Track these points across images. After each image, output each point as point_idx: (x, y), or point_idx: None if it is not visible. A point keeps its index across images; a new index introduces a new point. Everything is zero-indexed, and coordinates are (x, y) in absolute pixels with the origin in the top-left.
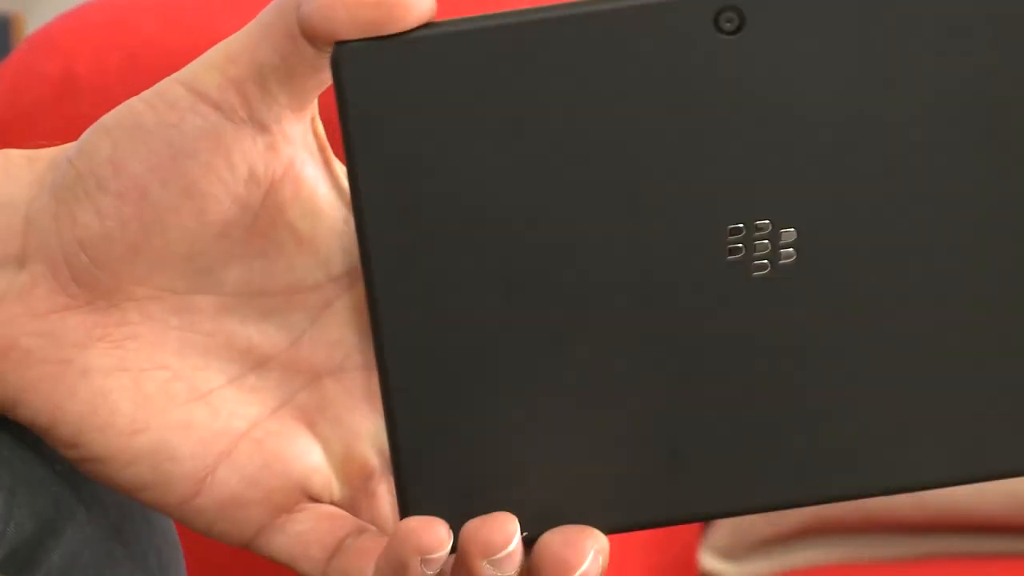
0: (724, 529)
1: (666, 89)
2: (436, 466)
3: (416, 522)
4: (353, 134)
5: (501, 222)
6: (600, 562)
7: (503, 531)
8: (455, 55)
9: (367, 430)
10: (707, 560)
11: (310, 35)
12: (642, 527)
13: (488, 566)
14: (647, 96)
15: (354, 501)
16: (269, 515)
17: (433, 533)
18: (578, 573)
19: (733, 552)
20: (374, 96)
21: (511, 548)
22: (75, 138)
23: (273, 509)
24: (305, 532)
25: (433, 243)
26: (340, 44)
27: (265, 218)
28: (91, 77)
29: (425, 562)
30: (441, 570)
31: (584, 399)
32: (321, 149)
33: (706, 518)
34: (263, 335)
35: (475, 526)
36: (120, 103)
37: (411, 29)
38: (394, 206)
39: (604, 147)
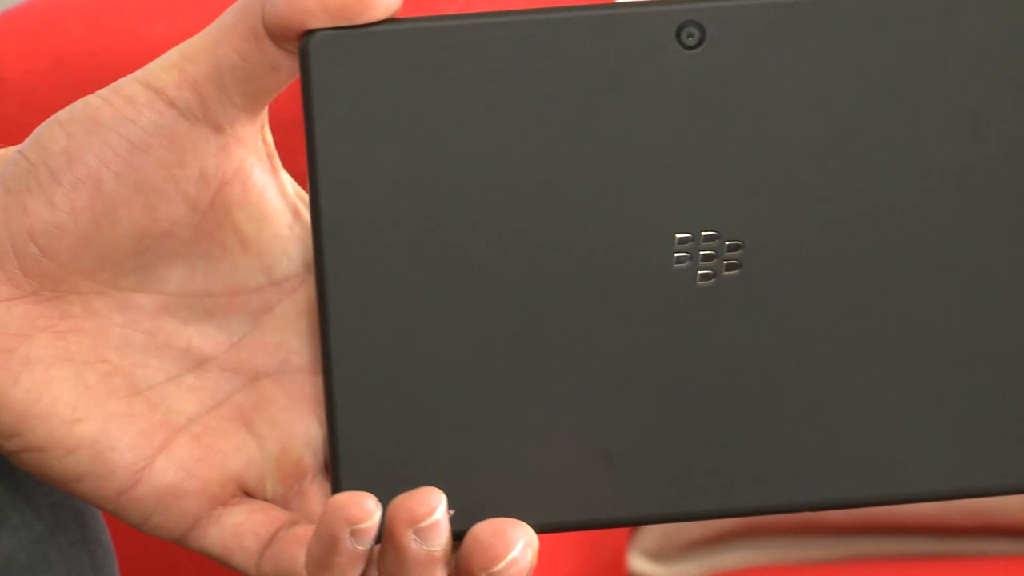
0: (653, 531)
1: (625, 99)
2: (372, 454)
3: (344, 496)
4: (316, 123)
5: (455, 220)
6: (529, 556)
7: (427, 501)
8: (423, 50)
9: (303, 431)
10: (636, 562)
11: (278, 26)
12: (574, 528)
13: (413, 537)
14: (605, 105)
15: (287, 500)
16: (205, 507)
17: (361, 505)
18: (505, 562)
19: (662, 554)
20: (340, 86)
21: (435, 517)
22: (2, 142)
23: (209, 500)
24: (240, 524)
25: (387, 232)
26: (308, 33)
27: (212, 219)
28: (18, 80)
29: (354, 534)
30: (371, 556)
31: (524, 398)
32: (269, 156)
33: (639, 523)
34: (203, 336)
35: (401, 498)
36: (47, 107)
37: (377, 22)
38: (350, 196)
39: (561, 152)
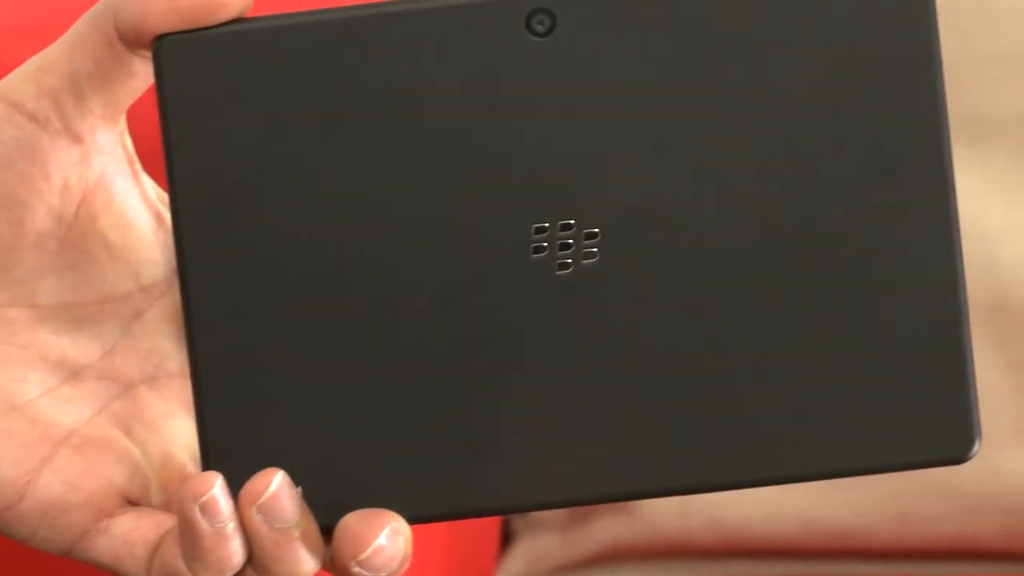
0: (520, 557)
1: (477, 89)
2: (238, 452)
3: (192, 477)
4: (172, 127)
5: (312, 215)
6: (400, 544)
7: (263, 477)
8: (274, 49)
9: (183, 436)
10: None
11: (130, 32)
12: (445, 518)
13: (259, 516)
14: (458, 96)
15: (171, 506)
16: (91, 519)
17: (201, 479)
18: (372, 548)
19: None
20: (194, 89)
21: (272, 490)
22: None
23: (95, 512)
24: (128, 532)
25: (247, 233)
26: (160, 38)
27: (77, 229)
28: None
29: (203, 510)
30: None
31: (387, 392)
32: (130, 162)
33: (508, 511)
34: (76, 345)
35: (245, 485)
36: None
37: (228, 22)
38: (209, 198)
39: (414, 144)
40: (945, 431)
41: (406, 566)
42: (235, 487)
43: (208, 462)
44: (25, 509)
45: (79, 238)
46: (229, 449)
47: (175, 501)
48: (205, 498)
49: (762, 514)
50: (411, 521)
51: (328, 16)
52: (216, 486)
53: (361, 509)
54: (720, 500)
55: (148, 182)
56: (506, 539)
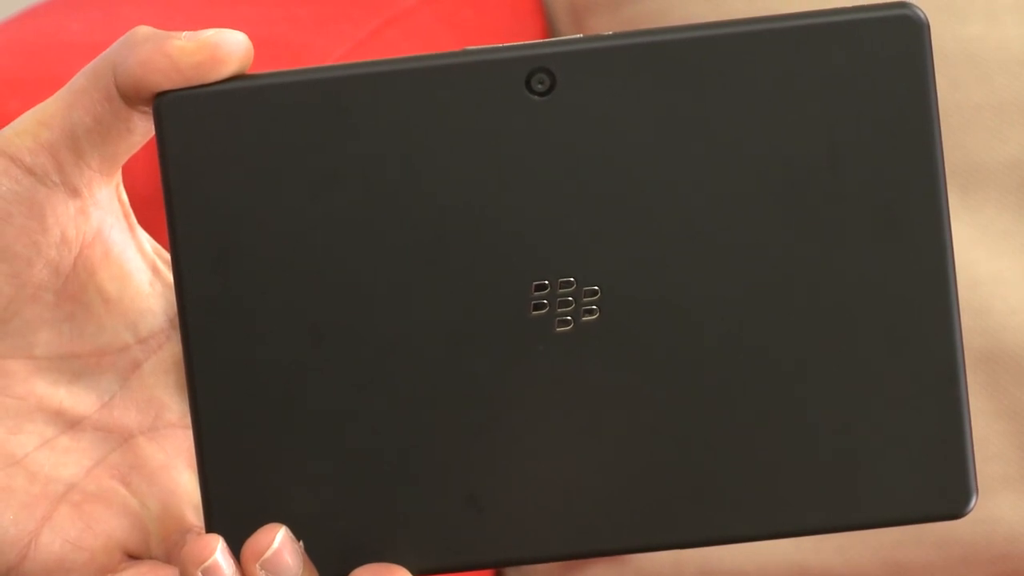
0: None
1: (477, 148)
2: (242, 507)
3: (191, 540)
4: (173, 183)
5: (312, 271)
6: None
7: (266, 533)
8: (274, 105)
9: (182, 488)
10: None
11: (131, 88)
12: (448, 570)
13: (260, 570)
14: (458, 154)
15: (171, 557)
16: None
17: (205, 542)
18: None
19: None
20: (195, 146)
21: (274, 547)
22: None
23: (98, 570)
24: None
25: (248, 288)
26: (161, 94)
27: (74, 281)
28: None
29: (204, 574)
30: None
31: (387, 445)
32: (125, 215)
33: (509, 564)
34: (74, 397)
35: (247, 540)
36: None
37: (228, 79)
38: (210, 254)
39: (414, 202)
40: (942, 486)
41: None
42: (239, 542)
43: (211, 518)
44: (28, 569)
45: (77, 290)
46: (232, 505)
47: (178, 564)
48: (207, 563)
49: (754, 563)
50: (416, 573)
51: (328, 74)
52: (217, 550)
53: (370, 564)
54: (712, 550)
55: (144, 235)
56: None
